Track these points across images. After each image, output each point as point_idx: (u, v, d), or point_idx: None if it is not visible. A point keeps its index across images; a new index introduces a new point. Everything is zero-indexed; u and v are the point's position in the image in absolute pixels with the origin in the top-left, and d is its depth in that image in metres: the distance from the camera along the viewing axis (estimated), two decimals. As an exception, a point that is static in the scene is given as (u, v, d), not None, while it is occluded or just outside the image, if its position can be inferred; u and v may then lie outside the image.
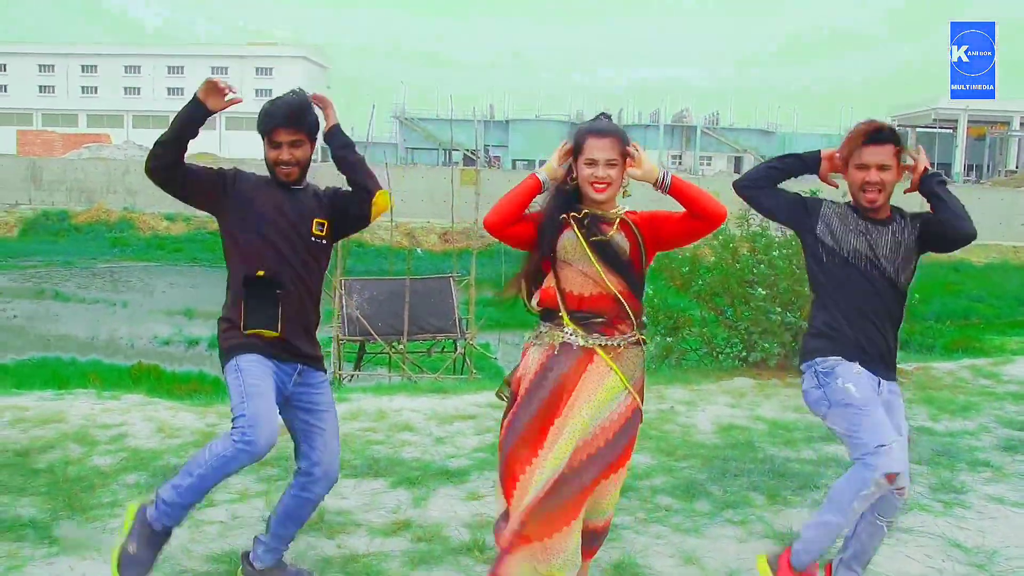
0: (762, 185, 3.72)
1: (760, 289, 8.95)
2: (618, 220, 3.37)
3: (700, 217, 3.35)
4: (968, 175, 68.14)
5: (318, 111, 3.66)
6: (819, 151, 3.72)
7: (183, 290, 35.21)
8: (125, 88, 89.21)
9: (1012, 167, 67.41)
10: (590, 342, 3.29)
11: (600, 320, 3.33)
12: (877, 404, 3.42)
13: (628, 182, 3.44)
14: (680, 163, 71.45)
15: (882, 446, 3.30)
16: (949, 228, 3.57)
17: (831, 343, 3.55)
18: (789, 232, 9.89)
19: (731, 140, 72.12)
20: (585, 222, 3.35)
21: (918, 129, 71.88)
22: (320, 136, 3.75)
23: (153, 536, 3.31)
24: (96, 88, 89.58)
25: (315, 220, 3.63)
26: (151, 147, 3.49)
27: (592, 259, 3.31)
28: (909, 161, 3.60)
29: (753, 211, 9.88)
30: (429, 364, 19.31)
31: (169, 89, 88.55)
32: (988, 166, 69.65)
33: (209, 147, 70.68)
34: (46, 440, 5.62)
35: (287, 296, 3.52)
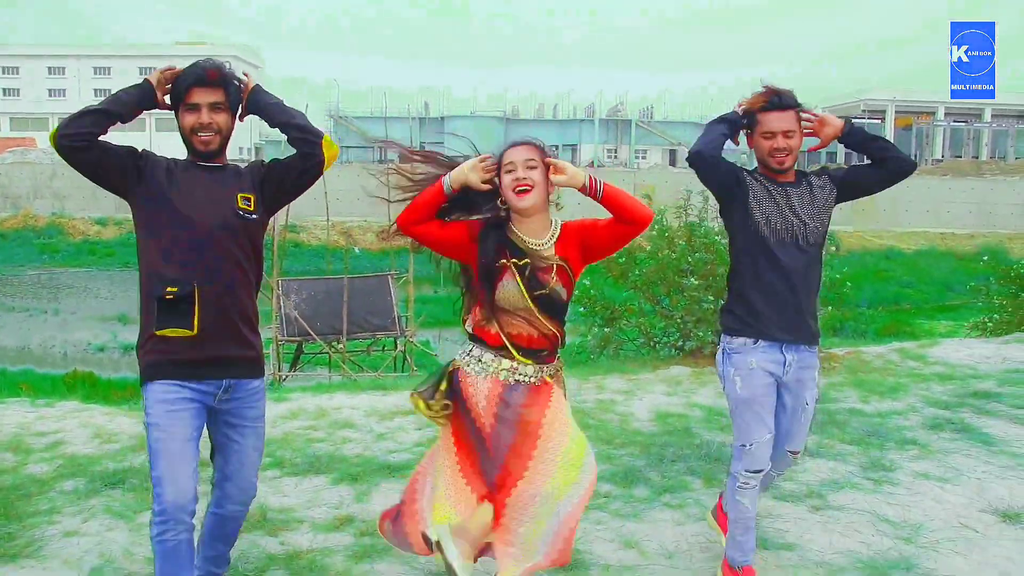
0: (718, 155, 3.75)
1: (693, 279, 9.11)
2: (555, 266, 3.35)
3: (629, 222, 3.35)
4: (895, 164, 69.71)
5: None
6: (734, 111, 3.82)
7: (116, 295, 34.58)
8: (49, 90, 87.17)
9: (938, 156, 69.23)
10: (542, 374, 3.38)
11: (545, 353, 3.41)
12: (755, 402, 3.67)
13: (559, 195, 3.44)
14: (616, 156, 72.01)
15: (743, 446, 3.70)
16: (899, 164, 3.74)
17: (740, 322, 3.75)
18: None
19: (665, 133, 72.86)
20: (526, 272, 3.32)
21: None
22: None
23: None
24: (19, 90, 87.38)
25: (239, 195, 3.30)
26: (72, 114, 3.12)
27: (536, 311, 3.32)
28: (809, 126, 3.76)
29: (691, 203, 10.14)
30: (369, 363, 19.24)
31: (96, 91, 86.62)
32: (915, 155, 71.37)
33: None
34: (-22, 450, 5.53)
35: (207, 288, 3.17)
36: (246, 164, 3.47)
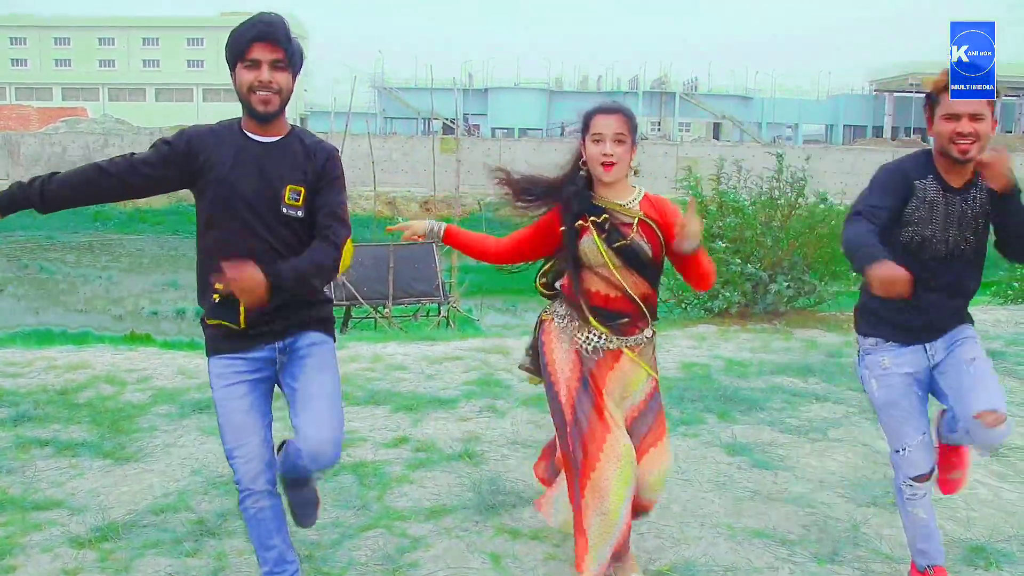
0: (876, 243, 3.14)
1: (722, 243, 9.69)
2: (637, 220, 3.35)
3: (689, 278, 3.46)
4: (942, 138, 68.89)
5: None
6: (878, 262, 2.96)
7: (167, 262, 35.76)
8: (100, 61, 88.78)
9: (987, 130, 68.16)
10: (616, 344, 3.41)
11: (625, 320, 3.40)
12: (896, 404, 3.35)
13: (638, 164, 3.45)
14: (659, 129, 72.07)
15: (897, 452, 3.40)
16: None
17: (870, 323, 3.42)
18: (757, 189, 10.63)
19: (709, 106, 72.74)
20: (605, 227, 3.33)
21: (895, 94, 72.77)
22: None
23: None
24: (70, 61, 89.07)
25: (289, 187, 3.08)
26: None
27: (611, 266, 3.34)
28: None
29: (724, 171, 10.73)
30: (414, 328, 20.01)
31: (144, 61, 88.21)
32: (962, 130, 70.31)
33: (186, 119, 70.67)
34: (80, 382, 6.29)
35: None
36: (318, 143, 3.23)
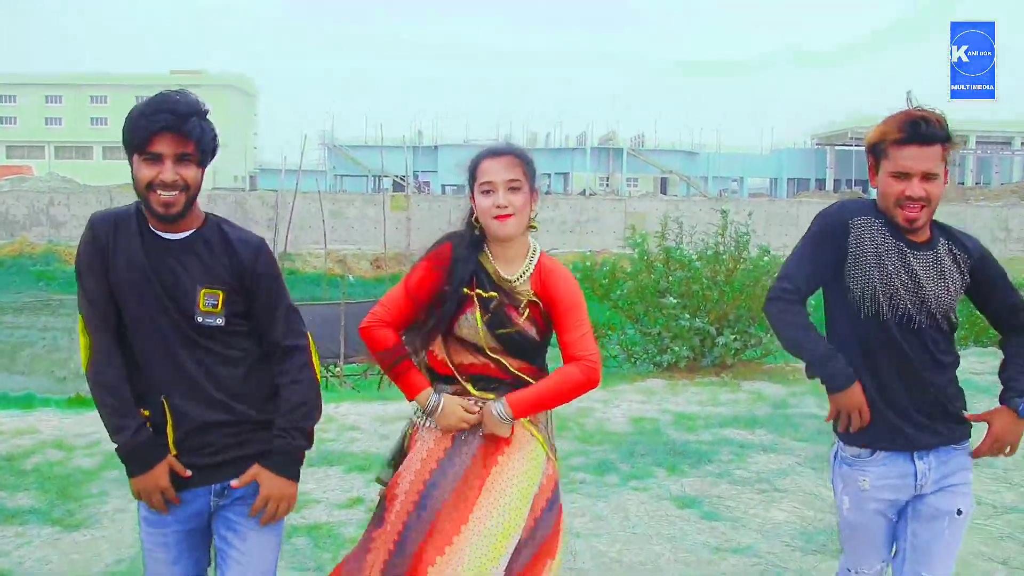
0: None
1: (671, 298, 9.88)
2: (526, 303, 2.83)
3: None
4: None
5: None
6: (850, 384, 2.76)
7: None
8: (46, 118, 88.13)
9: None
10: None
11: (505, 384, 2.85)
12: (865, 529, 2.92)
13: (536, 213, 2.93)
14: (608, 184, 72.98)
15: (850, 571, 3.02)
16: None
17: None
18: (701, 244, 10.87)
19: (656, 161, 73.92)
20: (491, 306, 2.81)
21: (836, 147, 74.73)
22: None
23: None
24: (15, 118, 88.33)
25: (203, 291, 2.57)
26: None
27: (486, 348, 2.83)
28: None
29: (670, 228, 10.94)
30: (366, 386, 19.92)
31: (92, 119, 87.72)
32: (901, 181, 72.12)
33: (128, 177, 70.19)
34: (26, 448, 6.21)
35: (179, 402, 2.57)
36: (236, 236, 2.68)
